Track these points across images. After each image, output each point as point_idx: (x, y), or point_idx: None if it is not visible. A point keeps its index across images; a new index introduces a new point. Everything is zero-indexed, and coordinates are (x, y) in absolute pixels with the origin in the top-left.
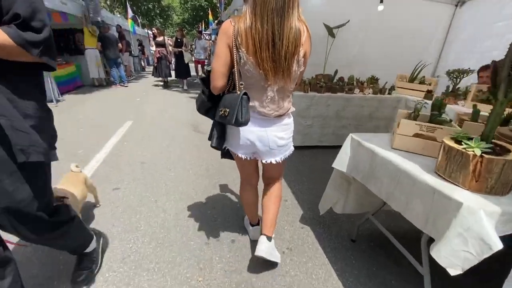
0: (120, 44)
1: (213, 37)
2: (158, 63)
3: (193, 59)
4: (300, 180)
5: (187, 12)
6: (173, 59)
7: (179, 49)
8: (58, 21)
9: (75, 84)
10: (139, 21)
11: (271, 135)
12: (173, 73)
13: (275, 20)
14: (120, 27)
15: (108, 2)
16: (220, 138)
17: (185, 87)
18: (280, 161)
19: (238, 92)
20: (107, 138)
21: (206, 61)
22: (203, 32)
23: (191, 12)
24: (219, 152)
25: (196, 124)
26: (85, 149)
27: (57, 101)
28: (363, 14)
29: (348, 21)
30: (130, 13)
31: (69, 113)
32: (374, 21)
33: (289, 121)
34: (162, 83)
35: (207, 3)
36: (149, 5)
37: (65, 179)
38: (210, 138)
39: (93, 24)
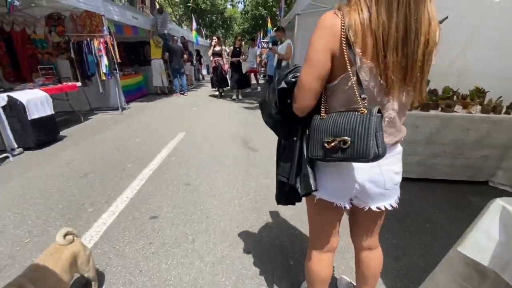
0: (185, 55)
1: (270, 44)
2: (214, 72)
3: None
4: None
5: (247, 22)
6: (229, 69)
7: (237, 59)
8: (129, 34)
9: (142, 93)
10: (203, 32)
11: (386, 171)
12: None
13: (411, 8)
14: (184, 38)
15: (177, 16)
16: (306, 180)
17: (240, 97)
18: (396, 205)
19: (362, 110)
20: (157, 151)
21: (262, 69)
22: (261, 40)
23: (251, 22)
24: (268, 180)
25: (247, 139)
26: (134, 163)
27: (123, 109)
28: (469, 8)
29: (447, 17)
30: (194, 25)
31: (130, 121)
32: (484, 16)
33: (400, 148)
34: (217, 93)
35: (267, 11)
36: (213, 17)
37: (44, 256)
38: (279, 195)
39: (159, 36)
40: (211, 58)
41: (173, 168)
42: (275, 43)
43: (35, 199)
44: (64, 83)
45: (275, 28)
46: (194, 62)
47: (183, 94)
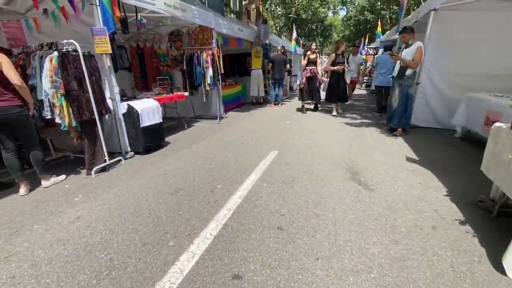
0: (288, 65)
1: (380, 51)
2: (306, 83)
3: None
4: None
5: (348, 29)
6: (324, 79)
7: (342, 67)
8: (233, 46)
9: (239, 102)
10: (300, 41)
11: None
12: (322, 94)
13: None
14: (284, 48)
15: (278, 28)
16: None
17: (340, 111)
18: None
19: None
20: (248, 172)
21: (365, 78)
22: (366, 46)
23: (352, 28)
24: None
25: (355, 168)
26: (223, 184)
27: (221, 118)
28: None
29: None
30: (294, 34)
31: (225, 132)
32: None
33: None
34: (312, 105)
35: (373, 16)
36: (313, 26)
37: None
38: None
39: (262, 46)
40: (304, 67)
41: (263, 199)
42: (388, 48)
43: (128, 215)
44: (175, 92)
45: (401, 29)
46: (292, 72)
47: (277, 104)
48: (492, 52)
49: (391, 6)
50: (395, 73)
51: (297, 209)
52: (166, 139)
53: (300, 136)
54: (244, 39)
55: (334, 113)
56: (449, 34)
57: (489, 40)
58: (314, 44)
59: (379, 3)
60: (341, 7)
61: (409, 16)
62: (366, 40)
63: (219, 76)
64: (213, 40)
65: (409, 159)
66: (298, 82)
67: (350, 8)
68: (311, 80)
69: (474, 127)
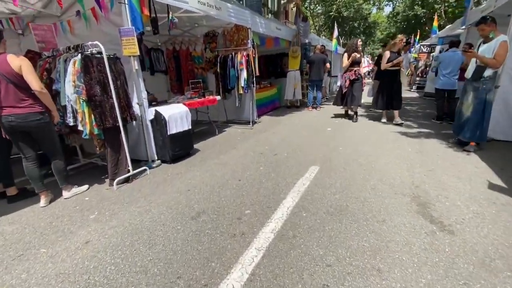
0: (327, 65)
1: (437, 48)
2: (350, 87)
3: None
4: None
5: (395, 26)
6: (368, 80)
7: (397, 67)
8: (270, 47)
9: (274, 106)
10: (341, 41)
11: None
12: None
13: None
14: (324, 47)
15: (317, 27)
16: None
17: (398, 121)
18: None
19: None
20: (282, 195)
21: (417, 79)
22: (417, 43)
23: (400, 25)
24: None
25: (421, 197)
26: (253, 209)
27: (254, 123)
28: None
29: None
30: (336, 32)
31: (257, 139)
32: None
33: None
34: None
35: (424, 10)
36: (355, 24)
37: None
38: None
39: (301, 45)
40: (347, 68)
41: (303, 236)
42: (454, 44)
43: (140, 245)
44: (207, 96)
45: (479, 20)
46: (331, 72)
47: (315, 108)
48: None
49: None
50: (468, 74)
51: (348, 257)
52: (196, 145)
53: (345, 148)
54: (282, 38)
55: (384, 120)
56: None
57: None
58: (359, 41)
59: None
60: (386, 2)
61: (482, 6)
62: (417, 37)
63: (254, 79)
64: (249, 40)
65: (494, 187)
66: (338, 84)
67: (397, 3)
68: (355, 83)
69: None
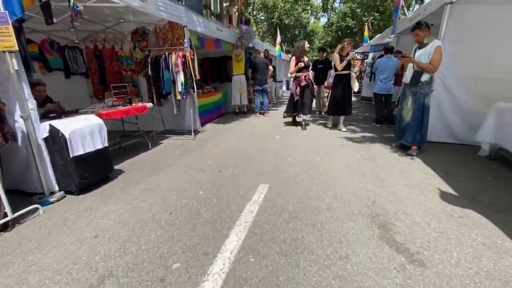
0: (270, 67)
1: (370, 55)
2: (300, 94)
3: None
4: None
5: (330, 35)
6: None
7: (347, 71)
8: (211, 48)
9: (220, 112)
10: (283, 47)
11: None
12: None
13: None
14: (268, 51)
15: (260, 33)
16: None
17: (343, 128)
18: None
19: None
20: (227, 228)
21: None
22: (351, 51)
23: (334, 35)
24: None
25: (380, 215)
26: (184, 262)
27: (197, 133)
28: None
29: None
30: (279, 38)
31: (199, 153)
32: None
33: None
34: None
35: (355, 22)
36: (296, 31)
37: None
38: None
39: (245, 50)
40: (294, 74)
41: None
42: (388, 50)
43: None
44: (134, 104)
45: (414, 26)
46: (276, 77)
47: (263, 114)
48: None
49: (372, 13)
50: (407, 79)
51: None
52: (120, 165)
53: (295, 158)
54: (224, 40)
55: (329, 125)
56: (469, 33)
57: None
58: (307, 43)
59: (358, 10)
60: (322, 13)
61: (410, 15)
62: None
63: (194, 83)
64: (185, 40)
65: (445, 196)
66: (284, 89)
67: (332, 15)
68: (305, 89)
69: (510, 145)
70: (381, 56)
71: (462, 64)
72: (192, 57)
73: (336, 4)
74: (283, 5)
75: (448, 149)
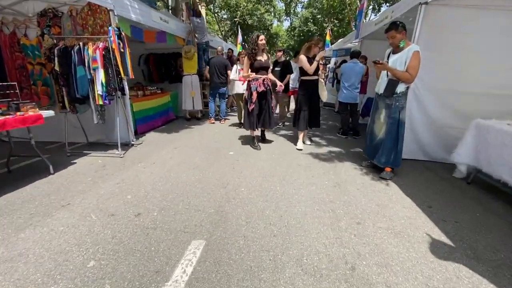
0: (229, 72)
1: (333, 60)
2: (257, 102)
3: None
4: None
5: (293, 39)
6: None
7: (314, 77)
8: (151, 41)
9: (167, 118)
10: (246, 48)
11: None
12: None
13: None
14: (232, 51)
15: (223, 33)
16: None
17: (308, 142)
18: None
19: None
20: None
21: None
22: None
23: (296, 39)
24: None
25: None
26: None
27: (130, 146)
28: None
29: None
30: (240, 38)
31: (120, 181)
32: None
33: None
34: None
35: (316, 27)
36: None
37: None
38: None
39: (198, 46)
40: (247, 75)
41: None
42: (355, 55)
43: None
44: (25, 112)
45: (388, 26)
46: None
47: (219, 121)
48: (498, 64)
49: (332, 19)
50: (380, 89)
51: None
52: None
53: (248, 187)
54: (171, 33)
55: (300, 146)
56: (444, 39)
57: (495, 48)
58: (262, 36)
59: (319, 16)
60: (285, 17)
61: (376, 18)
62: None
63: (123, 83)
64: (110, 28)
65: (440, 248)
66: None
67: (294, 19)
68: (264, 98)
69: (493, 170)
70: (344, 61)
71: (435, 74)
72: (122, 50)
73: (298, 9)
74: (245, 4)
75: (420, 169)
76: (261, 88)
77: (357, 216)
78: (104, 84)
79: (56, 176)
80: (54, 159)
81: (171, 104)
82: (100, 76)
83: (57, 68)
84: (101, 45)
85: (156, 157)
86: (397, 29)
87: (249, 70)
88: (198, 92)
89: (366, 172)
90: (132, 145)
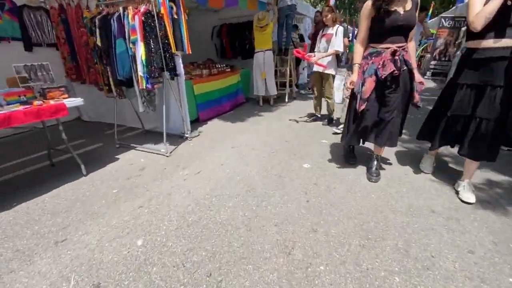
0: (346, 40)
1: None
2: (374, 94)
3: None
4: None
5: None
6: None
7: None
8: (218, 5)
9: (236, 101)
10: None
11: None
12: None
13: None
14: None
15: None
16: None
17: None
18: None
19: None
20: None
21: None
22: (429, 18)
23: None
24: None
25: None
26: None
27: (183, 138)
28: None
29: None
30: (332, 0)
31: (145, 202)
32: None
33: None
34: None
35: None
36: None
37: None
38: None
39: (282, 11)
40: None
41: None
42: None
43: None
44: (39, 101)
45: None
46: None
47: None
48: None
49: None
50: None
51: None
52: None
53: (334, 261)
54: None
55: (429, 169)
56: None
57: None
58: None
59: None
60: None
61: None
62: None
63: (173, 61)
64: None
65: None
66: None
67: None
68: (394, 84)
69: None
70: None
71: None
72: (176, 16)
73: None
74: None
75: None
76: (389, 70)
77: None
78: (144, 63)
79: (87, 179)
80: (102, 150)
81: (241, 85)
82: (140, 51)
83: (98, 42)
84: (142, 9)
85: (205, 161)
86: None
87: (371, 30)
88: (271, 74)
89: None
90: (186, 138)
